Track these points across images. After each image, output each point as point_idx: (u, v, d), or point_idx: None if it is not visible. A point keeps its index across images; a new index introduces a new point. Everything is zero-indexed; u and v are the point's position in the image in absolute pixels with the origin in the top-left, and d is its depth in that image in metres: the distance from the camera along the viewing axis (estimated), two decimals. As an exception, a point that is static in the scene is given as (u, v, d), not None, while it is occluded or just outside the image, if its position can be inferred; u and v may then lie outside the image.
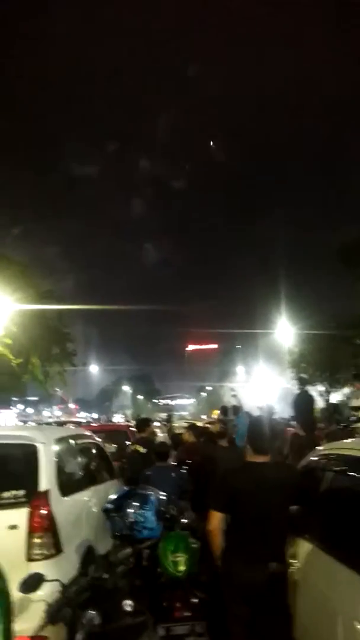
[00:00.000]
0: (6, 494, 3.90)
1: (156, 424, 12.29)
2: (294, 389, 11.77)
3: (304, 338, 27.85)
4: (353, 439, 4.36)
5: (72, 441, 5.11)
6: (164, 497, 4.21)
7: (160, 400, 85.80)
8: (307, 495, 3.32)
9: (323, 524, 3.16)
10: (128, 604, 2.75)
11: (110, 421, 31.01)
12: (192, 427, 7.91)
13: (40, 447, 4.12)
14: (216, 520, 3.24)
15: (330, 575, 2.80)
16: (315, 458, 3.77)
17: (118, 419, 41.33)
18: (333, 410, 19.57)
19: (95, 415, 42.18)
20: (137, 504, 3.90)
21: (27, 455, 4.08)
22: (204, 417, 36.51)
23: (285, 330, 27.89)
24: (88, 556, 4.22)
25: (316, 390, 28.93)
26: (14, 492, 3.90)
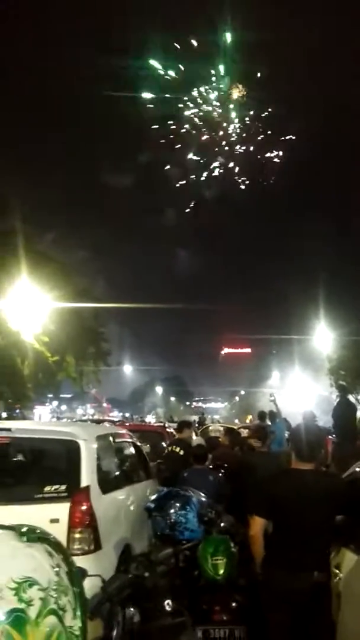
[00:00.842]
0: (48, 488, 3.96)
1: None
2: (331, 396, 11.53)
3: (343, 344, 27.27)
4: None
5: (111, 439, 5.14)
6: (205, 500, 4.19)
7: (193, 403, 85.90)
8: (353, 506, 3.23)
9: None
10: (168, 604, 2.74)
11: (144, 421, 31.19)
12: (229, 432, 7.85)
13: (82, 444, 4.17)
14: (258, 525, 3.19)
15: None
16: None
17: (150, 419, 41.53)
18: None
19: (127, 415, 42.55)
20: (179, 504, 3.89)
21: (69, 451, 4.13)
22: (236, 421, 36.26)
23: (323, 336, 27.39)
24: (125, 554, 4.24)
25: (355, 399, 28.30)
26: (55, 487, 3.96)
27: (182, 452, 6.20)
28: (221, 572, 3.54)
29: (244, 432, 10.91)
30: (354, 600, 3.01)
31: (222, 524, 4.15)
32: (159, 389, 73.93)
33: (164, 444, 9.25)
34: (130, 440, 6.12)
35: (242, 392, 68.44)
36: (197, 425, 19.88)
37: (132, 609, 2.61)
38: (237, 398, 74.26)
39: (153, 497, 4.30)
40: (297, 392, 33.74)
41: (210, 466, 6.24)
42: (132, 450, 5.98)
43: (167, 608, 2.77)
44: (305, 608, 2.93)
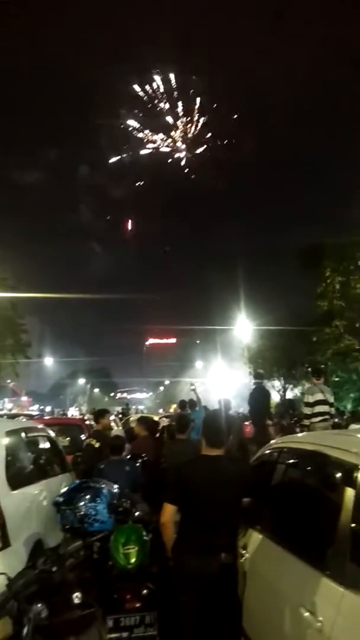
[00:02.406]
0: None
1: (112, 417, 12.17)
2: (251, 384, 11.96)
3: (262, 334, 28.36)
4: (303, 433, 4.47)
5: (22, 434, 4.99)
6: (117, 490, 4.18)
7: (117, 394, 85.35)
8: (259, 488, 3.38)
9: (273, 515, 3.22)
10: (76, 597, 2.71)
11: (65, 414, 30.57)
12: (141, 420, 7.87)
13: (-11, 440, 4.00)
14: (168, 512, 3.24)
15: (278, 564, 2.85)
16: (268, 451, 3.83)
17: (73, 412, 40.74)
18: (288, 405, 20.05)
19: (48, 409, 41.48)
20: (89, 496, 3.85)
21: None
22: (161, 411, 36.59)
23: (243, 327, 28.30)
24: (37, 550, 4.14)
25: (273, 386, 29.60)
26: None
27: (98, 445, 6.14)
28: (133, 560, 3.57)
29: (165, 421, 11.04)
30: (258, 579, 3.15)
31: (136, 513, 4.17)
32: (81, 381, 72.65)
33: (82, 437, 9.12)
34: (45, 434, 5.97)
35: (167, 382, 69.07)
36: (120, 416, 19.84)
37: (39, 605, 2.56)
38: (161, 388, 74.84)
39: (62, 491, 4.23)
40: (220, 381, 34.63)
41: (129, 456, 6.24)
42: (47, 444, 5.84)
43: (76, 601, 2.74)
44: (213, 589, 3.03)
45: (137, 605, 3.43)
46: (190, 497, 3.15)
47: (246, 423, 10.18)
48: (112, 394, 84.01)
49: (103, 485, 4.02)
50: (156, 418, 12.94)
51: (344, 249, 20.15)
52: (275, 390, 29.69)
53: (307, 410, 8.14)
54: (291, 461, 3.27)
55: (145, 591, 3.48)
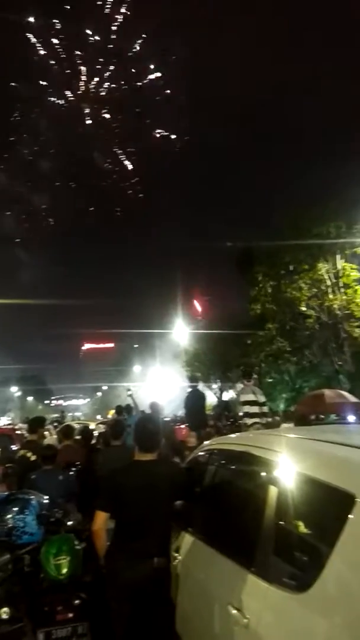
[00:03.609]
0: None
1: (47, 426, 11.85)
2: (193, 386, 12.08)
3: (199, 338, 28.77)
4: (236, 434, 4.59)
5: None
6: (47, 501, 4.09)
7: (52, 401, 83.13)
8: (191, 490, 3.43)
9: (204, 517, 3.27)
10: (4, 612, 2.64)
11: (-4, 424, 29.40)
12: (63, 430, 7.73)
13: None
14: (100, 520, 3.21)
15: (209, 565, 2.91)
16: (201, 453, 3.90)
17: (4, 421, 39.18)
18: (224, 407, 20.46)
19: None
20: (17, 508, 3.74)
21: None
22: (99, 417, 36.09)
23: (181, 330, 28.58)
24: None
25: (210, 389, 30.09)
26: None
27: (33, 457, 5.95)
28: (64, 571, 3.51)
29: (102, 428, 10.92)
30: (190, 582, 3.19)
31: (69, 523, 4.10)
32: (14, 389, 70.07)
33: (13, 447, 8.82)
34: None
35: (105, 388, 68.25)
36: (55, 424, 19.35)
37: None
38: (99, 394, 73.78)
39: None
40: (159, 385, 34.69)
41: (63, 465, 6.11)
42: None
43: (4, 616, 2.67)
44: (145, 594, 3.03)
45: (69, 616, 3.37)
46: (122, 504, 3.14)
47: (182, 426, 10.28)
48: (46, 402, 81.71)
49: (32, 497, 3.92)
50: (93, 424, 12.78)
51: (274, 254, 20.89)
52: (212, 393, 30.20)
53: (240, 411, 8.35)
54: (221, 462, 3.35)
55: (77, 601, 3.43)
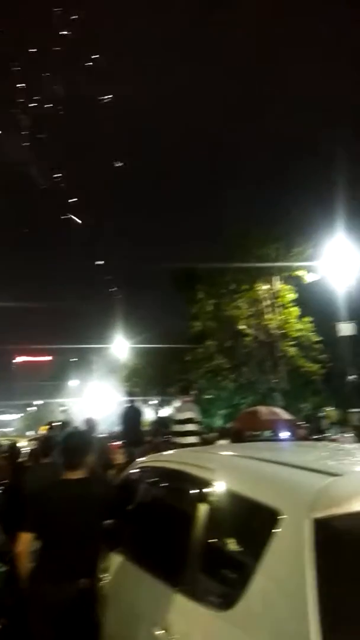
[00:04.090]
0: None
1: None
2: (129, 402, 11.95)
3: (138, 353, 28.66)
4: (170, 451, 4.58)
5: None
6: None
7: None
8: (122, 509, 3.37)
9: (134, 536, 3.22)
10: None
11: None
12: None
13: None
14: (23, 541, 3.08)
15: (137, 585, 2.86)
16: (134, 471, 3.85)
17: None
18: (161, 423, 20.37)
19: None
20: None
21: None
22: (30, 433, 34.84)
23: (120, 345, 28.34)
24: None
25: (149, 405, 29.94)
26: None
27: None
28: None
29: (34, 444, 10.53)
30: (117, 603, 3.12)
31: None
32: None
33: None
34: None
35: (40, 402, 66.07)
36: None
37: None
38: (31, 409, 71.29)
39: None
40: (96, 400, 34.07)
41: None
42: None
43: None
44: (69, 617, 2.93)
45: None
46: (48, 524, 3.04)
47: (117, 443, 10.13)
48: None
49: None
50: (24, 441, 12.34)
51: (215, 274, 21.35)
52: (151, 409, 30.07)
53: (176, 428, 8.35)
54: (153, 480, 3.32)
55: None
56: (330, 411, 17.20)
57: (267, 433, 11.24)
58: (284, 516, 1.89)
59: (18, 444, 9.39)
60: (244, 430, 11.42)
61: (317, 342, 20.15)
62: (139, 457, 4.17)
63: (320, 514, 1.80)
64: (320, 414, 15.00)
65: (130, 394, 10.85)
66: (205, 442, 9.66)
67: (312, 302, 19.68)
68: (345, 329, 15.69)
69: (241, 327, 20.93)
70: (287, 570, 1.81)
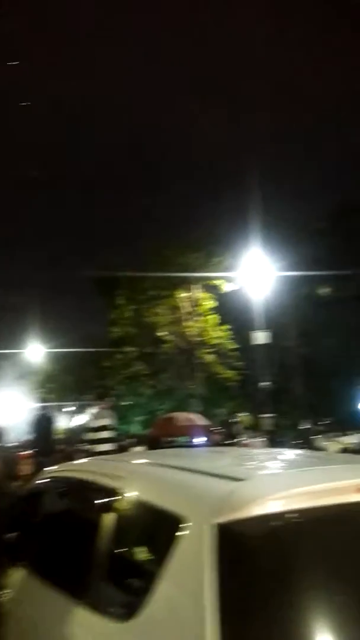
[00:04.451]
0: None
1: None
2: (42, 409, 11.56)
3: (55, 358, 27.86)
4: (80, 460, 4.48)
5: None
6: None
7: None
8: (26, 521, 3.24)
9: (39, 549, 3.11)
10: None
11: None
12: None
13: None
14: None
15: (39, 600, 2.75)
16: (42, 481, 3.72)
17: None
18: (76, 431, 19.93)
19: None
20: None
21: None
22: None
23: (34, 350, 27.38)
24: None
25: (63, 411, 29.12)
26: None
27: None
28: None
29: None
30: (19, 620, 2.98)
31: None
32: None
33: None
34: None
35: None
36: None
37: None
38: None
39: None
40: (6, 407, 32.56)
41: None
42: None
43: None
44: None
45: None
46: None
47: (27, 452, 9.74)
48: None
49: None
50: None
51: (136, 280, 21.38)
52: (65, 416, 29.31)
53: (90, 436, 8.22)
54: (60, 490, 3.23)
55: None
56: (243, 416, 17.77)
57: (183, 439, 11.39)
58: (187, 522, 1.91)
59: None
60: (160, 437, 11.48)
61: (233, 350, 20.80)
62: (49, 467, 4.03)
63: (222, 519, 1.83)
64: (234, 419, 15.46)
65: (43, 400, 10.49)
66: (121, 449, 9.60)
67: (230, 310, 20.32)
68: (260, 337, 16.36)
69: (161, 333, 21.09)
70: (189, 576, 1.81)
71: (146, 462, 3.03)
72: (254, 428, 15.44)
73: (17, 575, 3.18)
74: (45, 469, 4.04)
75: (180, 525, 1.92)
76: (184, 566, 1.87)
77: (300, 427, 17.69)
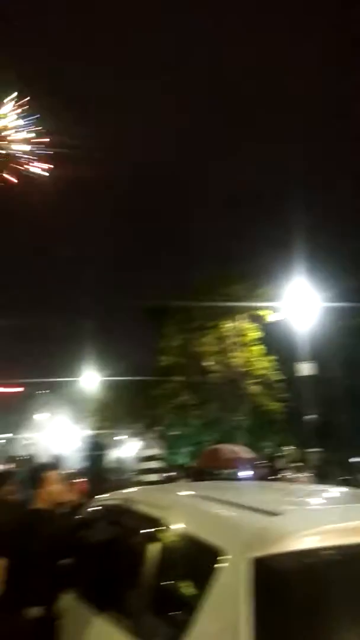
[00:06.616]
0: None
1: None
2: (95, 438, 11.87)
3: (107, 386, 28.36)
4: (128, 490, 4.62)
5: None
6: None
7: None
8: (79, 547, 3.41)
9: (87, 576, 3.26)
10: None
11: None
12: None
13: None
14: None
15: (87, 626, 2.87)
16: (93, 508, 3.90)
17: None
18: (126, 460, 20.10)
19: None
20: None
21: None
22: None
23: (90, 378, 28.03)
24: None
25: (114, 440, 29.42)
26: None
27: None
28: None
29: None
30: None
31: None
32: None
33: None
34: None
35: (7, 435, 63.80)
36: None
37: None
38: (1, 442, 68.70)
39: None
40: (64, 435, 33.35)
41: None
42: None
43: None
44: None
45: None
46: (8, 550, 3.11)
47: (81, 480, 9.99)
48: None
49: None
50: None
51: (185, 310, 21.66)
52: (116, 445, 29.59)
53: (140, 465, 8.37)
54: (109, 518, 3.39)
55: None
56: (290, 450, 17.36)
57: (229, 472, 11.29)
58: (225, 555, 1.97)
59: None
60: (206, 468, 11.44)
61: (279, 381, 20.51)
62: (101, 494, 4.24)
63: (258, 553, 1.89)
64: (280, 453, 15.15)
65: (97, 429, 10.79)
66: (169, 480, 9.67)
67: (274, 341, 20.13)
68: (305, 368, 16.07)
69: (208, 363, 21.15)
70: (227, 610, 1.87)
71: (189, 494, 3.15)
72: (300, 462, 15.05)
73: (68, 601, 3.35)
74: (97, 496, 4.24)
75: (218, 558, 1.99)
76: (221, 599, 1.92)
77: (348, 462, 17.08)
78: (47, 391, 48.97)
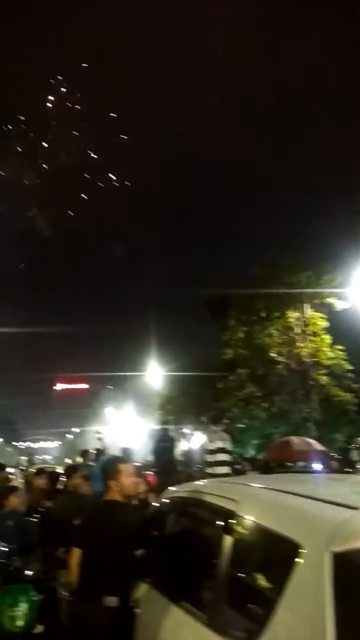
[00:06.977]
0: None
1: (9, 469, 11.51)
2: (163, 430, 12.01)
3: (172, 380, 28.70)
4: (199, 482, 4.62)
5: None
6: (6, 549, 4.02)
7: (22, 444, 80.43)
8: (152, 538, 3.45)
9: (162, 567, 3.28)
10: None
11: None
12: (40, 472, 7.65)
13: None
14: (74, 555, 3.26)
15: (163, 617, 2.89)
16: (164, 501, 3.92)
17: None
18: (195, 452, 20.24)
19: None
20: None
21: None
22: (68, 460, 35.09)
23: (155, 373, 28.48)
24: None
25: (182, 433, 29.78)
26: None
27: None
28: (18, 623, 3.44)
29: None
30: (145, 635, 3.16)
31: (28, 573, 4.02)
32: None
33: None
34: None
35: (77, 430, 66.52)
36: (23, 468, 18.82)
37: None
38: (69, 436, 71.83)
39: None
40: (131, 428, 34.17)
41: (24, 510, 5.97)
42: None
43: None
44: (102, 633, 3.00)
45: None
46: (85, 542, 3.20)
47: (149, 472, 10.17)
48: (14, 443, 78.99)
49: None
50: (60, 469, 12.52)
51: (247, 301, 21.37)
52: (184, 437, 29.90)
53: (207, 458, 8.35)
54: (181, 510, 3.40)
55: None
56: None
57: (300, 464, 11.05)
58: (304, 549, 1.92)
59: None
60: (276, 461, 11.27)
61: (349, 371, 19.79)
62: (171, 487, 4.26)
63: (338, 548, 1.84)
64: (353, 445, 14.59)
65: (164, 422, 10.92)
66: (237, 473, 9.60)
67: (343, 330, 19.44)
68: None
69: (272, 355, 20.76)
70: (308, 605, 1.83)
71: (262, 486, 3.08)
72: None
73: (144, 592, 3.39)
74: (168, 488, 4.27)
75: (296, 552, 1.94)
76: (302, 595, 1.87)
77: None
78: (110, 387, 50.48)
